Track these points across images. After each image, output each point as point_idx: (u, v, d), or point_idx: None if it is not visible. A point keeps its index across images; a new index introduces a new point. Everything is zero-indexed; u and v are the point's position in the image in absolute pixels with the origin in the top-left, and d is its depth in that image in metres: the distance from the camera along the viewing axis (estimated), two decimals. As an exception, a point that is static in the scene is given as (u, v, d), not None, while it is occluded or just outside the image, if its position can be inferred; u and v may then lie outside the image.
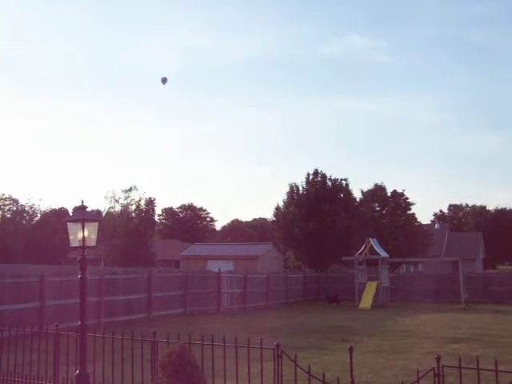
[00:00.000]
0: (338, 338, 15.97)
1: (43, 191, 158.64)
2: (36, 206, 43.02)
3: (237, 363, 6.55)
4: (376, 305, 29.04)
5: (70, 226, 7.48)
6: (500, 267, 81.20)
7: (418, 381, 5.60)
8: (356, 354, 11.71)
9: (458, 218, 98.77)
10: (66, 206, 70.19)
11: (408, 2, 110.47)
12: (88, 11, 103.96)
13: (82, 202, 7.56)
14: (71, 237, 7.43)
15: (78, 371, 7.36)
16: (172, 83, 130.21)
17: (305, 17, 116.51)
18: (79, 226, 7.34)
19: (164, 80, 36.86)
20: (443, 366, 5.43)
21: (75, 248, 7.49)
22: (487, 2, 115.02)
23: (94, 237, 7.49)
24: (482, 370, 5.19)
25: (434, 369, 5.48)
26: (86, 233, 7.33)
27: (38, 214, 43.29)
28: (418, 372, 5.61)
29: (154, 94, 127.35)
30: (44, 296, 17.04)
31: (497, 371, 5.12)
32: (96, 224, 7.58)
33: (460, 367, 5.23)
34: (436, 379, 5.50)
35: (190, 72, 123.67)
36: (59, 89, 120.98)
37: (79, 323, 7.49)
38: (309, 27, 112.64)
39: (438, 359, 5.45)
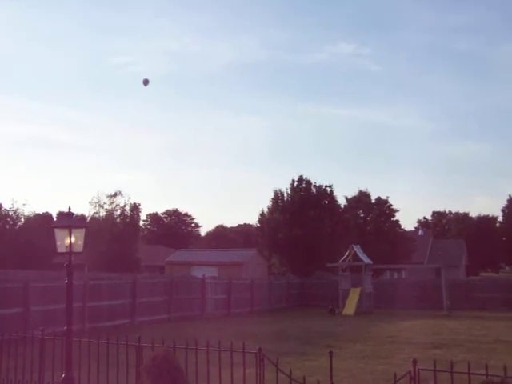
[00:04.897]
0: (322, 343, 16.13)
1: (27, 196, 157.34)
2: (20, 211, 42.73)
3: (220, 367, 6.68)
4: (359, 311, 29.27)
5: (58, 232, 7.61)
6: (482, 274, 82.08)
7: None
8: (338, 359, 11.97)
9: (442, 225, 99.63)
10: (50, 211, 69.63)
11: (396, 9, 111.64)
12: (74, 15, 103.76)
13: (69, 208, 7.70)
14: (58, 243, 7.56)
15: (63, 375, 7.45)
16: (156, 88, 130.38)
17: (292, 23, 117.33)
18: (66, 232, 7.47)
19: (146, 82, 36.77)
20: (419, 370, 5.65)
21: (62, 254, 7.61)
22: (475, 10, 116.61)
23: (80, 243, 7.64)
24: (455, 372, 5.43)
25: (410, 372, 5.70)
26: (72, 239, 7.46)
27: (22, 219, 43.01)
28: (395, 375, 5.83)
29: (138, 98, 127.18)
30: (28, 301, 17.03)
31: (469, 373, 5.36)
32: (82, 230, 7.72)
33: (435, 370, 5.46)
34: (412, 382, 5.72)
35: (175, 77, 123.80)
36: (44, 93, 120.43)
37: (65, 328, 7.59)
38: (296, 33, 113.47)
39: (414, 363, 5.68)
